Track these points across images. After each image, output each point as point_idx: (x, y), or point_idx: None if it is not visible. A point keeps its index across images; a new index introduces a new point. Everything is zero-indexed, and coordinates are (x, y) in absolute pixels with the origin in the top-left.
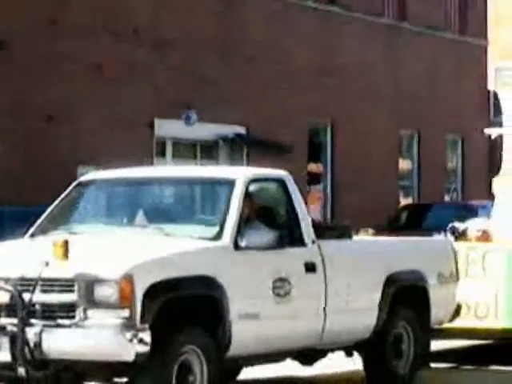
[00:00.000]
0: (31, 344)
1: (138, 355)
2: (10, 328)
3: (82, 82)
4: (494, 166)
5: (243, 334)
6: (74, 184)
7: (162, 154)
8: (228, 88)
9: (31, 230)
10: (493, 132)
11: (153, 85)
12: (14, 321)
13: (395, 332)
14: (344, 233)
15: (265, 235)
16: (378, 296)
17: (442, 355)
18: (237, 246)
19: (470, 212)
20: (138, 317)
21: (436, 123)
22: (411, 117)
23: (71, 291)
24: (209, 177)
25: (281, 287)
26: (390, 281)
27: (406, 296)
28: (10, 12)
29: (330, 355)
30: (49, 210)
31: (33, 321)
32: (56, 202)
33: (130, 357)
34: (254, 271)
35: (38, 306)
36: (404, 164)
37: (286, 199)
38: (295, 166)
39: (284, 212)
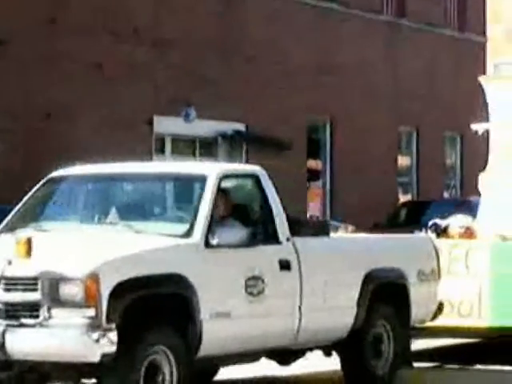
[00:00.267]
0: None
1: (104, 356)
2: None
3: (82, 80)
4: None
5: (214, 334)
6: (44, 180)
7: (162, 150)
8: (227, 85)
9: None
10: (479, 127)
11: (152, 83)
12: None
13: (374, 331)
14: (321, 230)
15: (237, 232)
16: (356, 294)
17: (426, 354)
18: (208, 244)
19: (468, 208)
20: (104, 316)
21: (435, 120)
22: (410, 114)
23: (35, 290)
24: (180, 173)
25: (254, 286)
26: (369, 278)
27: (385, 294)
28: (9, 11)
29: (309, 355)
30: (18, 206)
31: None
32: (25, 198)
33: (95, 357)
34: (226, 269)
35: (0, 306)
36: (403, 161)
37: (260, 195)
38: (295, 163)
39: (258, 209)
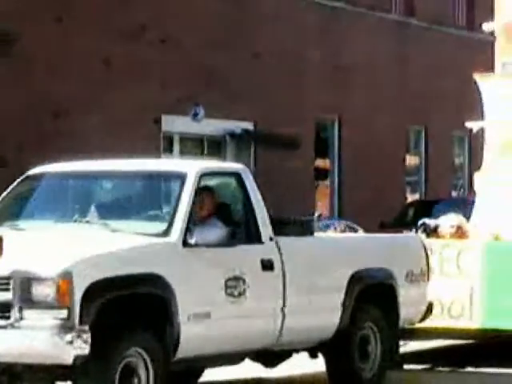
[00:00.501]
0: None
1: (77, 358)
2: None
3: (90, 79)
4: None
5: (193, 336)
6: (21, 177)
7: (170, 149)
8: (236, 84)
9: None
10: (474, 125)
11: (160, 81)
12: None
13: (361, 333)
14: (305, 229)
15: (216, 232)
16: (341, 295)
17: (416, 356)
18: (186, 243)
19: None
20: (76, 317)
21: (443, 119)
22: (418, 113)
23: (6, 290)
24: (160, 171)
25: (234, 286)
26: (355, 279)
27: (372, 295)
28: (18, 9)
29: (295, 356)
30: None
31: None
32: (2, 195)
33: (68, 360)
34: (205, 269)
35: None
36: (411, 160)
37: (243, 194)
38: (303, 162)
39: (240, 207)
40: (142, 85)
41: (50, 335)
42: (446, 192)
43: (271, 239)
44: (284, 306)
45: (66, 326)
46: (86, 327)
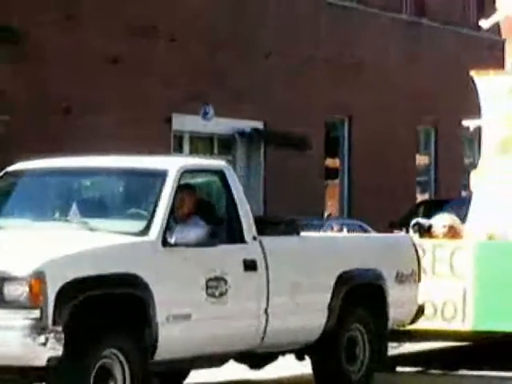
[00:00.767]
0: None
1: (49, 359)
2: None
3: (100, 76)
4: None
5: (172, 337)
6: (0, 174)
7: (180, 148)
8: (245, 83)
9: None
10: (471, 123)
11: (170, 80)
12: None
13: (348, 334)
14: (290, 229)
15: (197, 231)
16: (328, 296)
17: (409, 358)
18: (165, 243)
19: None
20: (50, 318)
21: (453, 119)
22: (429, 112)
23: None
24: (140, 168)
25: (215, 287)
26: (343, 279)
27: (360, 296)
28: (27, 6)
29: (282, 358)
30: None
31: None
32: None
33: (41, 361)
34: (185, 269)
35: None
36: (421, 160)
37: (225, 192)
38: (312, 161)
39: (222, 206)
40: (152, 84)
41: (22, 336)
42: (455, 192)
43: (255, 239)
44: (268, 307)
45: (38, 327)
46: (60, 328)
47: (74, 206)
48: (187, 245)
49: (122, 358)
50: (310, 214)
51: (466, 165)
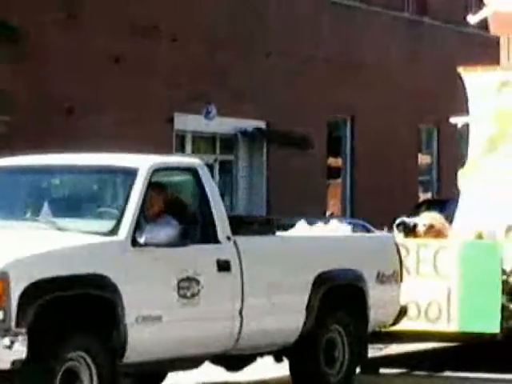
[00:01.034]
0: None
1: (14, 362)
2: None
3: (102, 76)
4: None
5: (142, 339)
6: None
7: (182, 148)
8: (248, 83)
9: None
10: (459, 120)
11: (172, 80)
12: None
13: (327, 336)
14: (266, 228)
15: (168, 231)
16: (305, 297)
17: (393, 360)
18: (135, 242)
19: None
20: (13, 320)
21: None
22: (431, 112)
23: None
24: (110, 165)
25: (187, 287)
26: (320, 280)
27: (339, 297)
28: (29, 5)
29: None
30: None
31: None
32: None
33: (5, 364)
34: (155, 270)
35: None
36: (423, 159)
37: (199, 191)
38: (315, 160)
39: (195, 205)
40: (154, 83)
41: None
42: (458, 191)
43: (229, 238)
44: (242, 308)
45: (1, 329)
46: (23, 330)
47: (46, 206)
48: (157, 245)
49: (88, 360)
50: (312, 214)
51: None
